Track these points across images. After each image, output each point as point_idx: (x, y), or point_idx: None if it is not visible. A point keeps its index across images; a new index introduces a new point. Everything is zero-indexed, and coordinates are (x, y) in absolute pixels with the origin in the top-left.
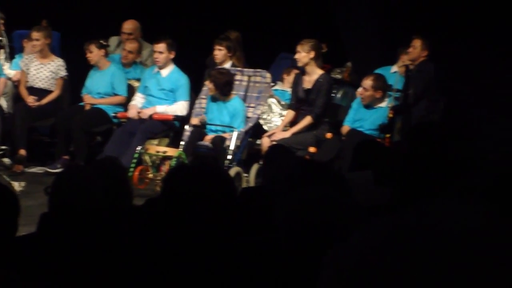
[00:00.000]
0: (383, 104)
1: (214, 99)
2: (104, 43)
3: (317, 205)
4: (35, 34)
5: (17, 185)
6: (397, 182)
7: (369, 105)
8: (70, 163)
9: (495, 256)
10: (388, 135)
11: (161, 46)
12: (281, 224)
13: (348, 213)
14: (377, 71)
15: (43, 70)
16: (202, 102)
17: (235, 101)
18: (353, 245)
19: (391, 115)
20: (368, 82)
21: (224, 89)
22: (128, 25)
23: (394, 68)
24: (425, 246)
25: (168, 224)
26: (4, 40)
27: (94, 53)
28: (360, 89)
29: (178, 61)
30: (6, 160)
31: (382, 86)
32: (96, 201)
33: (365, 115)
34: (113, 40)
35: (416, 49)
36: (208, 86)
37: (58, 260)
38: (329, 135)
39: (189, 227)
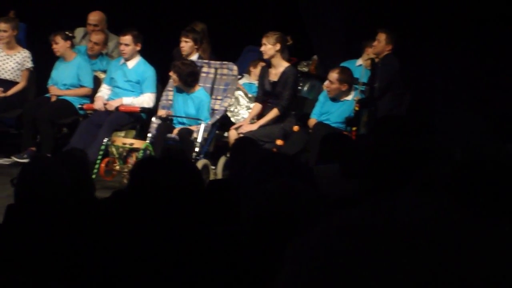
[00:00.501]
0: (349, 97)
1: (179, 90)
2: (70, 35)
3: (283, 198)
4: (2, 25)
5: None
6: (363, 175)
7: (335, 98)
8: (36, 155)
9: (454, 248)
10: (354, 128)
11: (127, 38)
12: (248, 216)
13: (313, 205)
14: (343, 64)
15: (9, 62)
16: (169, 94)
17: (200, 92)
18: (313, 238)
19: (357, 108)
20: (334, 75)
21: (187, 80)
22: (94, 17)
23: (359, 61)
24: (385, 239)
25: (134, 216)
26: None
27: (59, 45)
28: (326, 82)
29: (144, 53)
30: None
31: (348, 79)
32: (62, 193)
33: (332, 108)
34: (79, 32)
35: (381, 43)
36: (172, 77)
37: (24, 251)
38: (296, 127)
39: (156, 219)
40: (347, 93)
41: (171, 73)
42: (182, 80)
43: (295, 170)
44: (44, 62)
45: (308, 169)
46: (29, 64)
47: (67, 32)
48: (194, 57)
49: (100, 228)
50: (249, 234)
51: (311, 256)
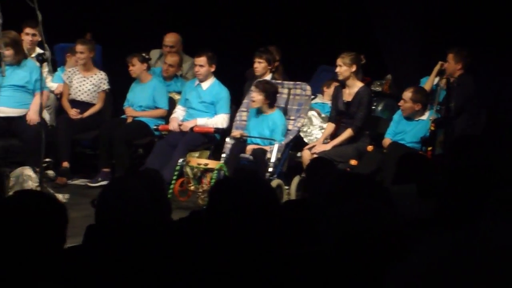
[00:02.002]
0: (424, 117)
1: (255, 112)
2: (147, 57)
3: (361, 218)
4: (79, 47)
5: (61, 197)
6: (440, 195)
7: (410, 118)
8: (114, 176)
9: None
10: (430, 148)
11: (201, 60)
12: (326, 237)
13: (392, 225)
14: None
15: (86, 83)
16: (243, 114)
17: (276, 114)
18: (415, 263)
19: (432, 128)
20: (407, 94)
21: (273, 98)
22: (170, 38)
23: (430, 82)
24: (486, 264)
25: (213, 236)
26: (48, 54)
27: (136, 67)
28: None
29: (218, 74)
30: (50, 173)
31: (421, 99)
32: (141, 213)
33: (407, 128)
34: (154, 53)
35: (450, 63)
36: (256, 98)
37: (104, 272)
38: (370, 147)
39: (234, 240)
40: (421, 112)
41: (255, 94)
42: (269, 98)
43: (372, 190)
44: (120, 83)
45: (385, 189)
46: (106, 86)
47: (144, 54)
48: (267, 77)
49: (179, 248)
50: (327, 255)
51: (417, 282)
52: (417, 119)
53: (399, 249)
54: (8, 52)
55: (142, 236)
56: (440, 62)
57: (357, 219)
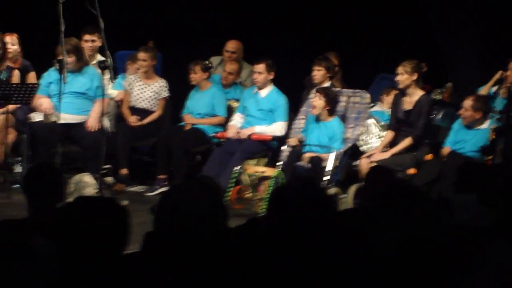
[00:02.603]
0: (484, 126)
1: (314, 119)
2: (209, 65)
3: (420, 227)
4: (142, 55)
5: None
6: (501, 204)
7: (470, 126)
8: (173, 183)
9: None
10: (490, 157)
11: (260, 67)
12: (384, 245)
13: (451, 234)
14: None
15: (147, 91)
16: (301, 122)
17: (334, 122)
18: (489, 274)
19: (493, 137)
20: (468, 102)
21: (334, 105)
22: (232, 44)
23: (486, 89)
24: None
25: (272, 244)
26: (109, 61)
27: (198, 75)
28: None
29: (277, 81)
30: (109, 179)
31: (482, 107)
32: (200, 220)
33: (466, 136)
34: (215, 60)
35: None
36: (317, 103)
37: (163, 278)
38: (429, 156)
39: (293, 248)
40: (481, 121)
41: (315, 99)
42: (330, 104)
43: (427, 200)
44: (179, 90)
45: (444, 199)
46: (166, 93)
47: (206, 62)
48: (326, 85)
49: (237, 255)
50: (387, 263)
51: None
52: (477, 128)
53: (459, 258)
54: (70, 59)
55: (200, 243)
56: (500, 71)
57: (416, 228)
